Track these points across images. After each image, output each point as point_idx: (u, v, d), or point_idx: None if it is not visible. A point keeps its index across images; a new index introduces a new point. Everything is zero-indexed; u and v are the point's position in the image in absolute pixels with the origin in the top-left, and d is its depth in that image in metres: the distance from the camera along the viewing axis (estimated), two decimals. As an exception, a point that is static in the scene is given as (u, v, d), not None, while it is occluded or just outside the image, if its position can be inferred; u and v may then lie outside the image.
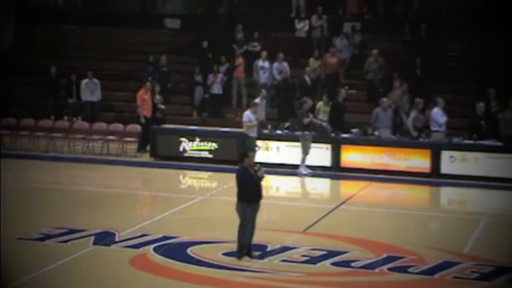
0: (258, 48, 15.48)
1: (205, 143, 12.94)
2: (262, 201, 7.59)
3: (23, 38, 17.17)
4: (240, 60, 15.22)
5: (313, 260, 7.61)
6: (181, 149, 13.04)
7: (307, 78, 14.43)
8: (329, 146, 12.42)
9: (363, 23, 15.78)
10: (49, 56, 16.37)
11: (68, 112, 15.23)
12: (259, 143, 12.35)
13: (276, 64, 14.83)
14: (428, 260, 7.68)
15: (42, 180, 11.93)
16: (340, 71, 15.01)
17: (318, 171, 12.26)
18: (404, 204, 11.08)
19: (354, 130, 12.73)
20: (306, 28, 15.73)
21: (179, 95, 15.68)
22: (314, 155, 12.26)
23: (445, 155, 12.00)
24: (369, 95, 14.68)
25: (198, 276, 7.08)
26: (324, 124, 12.64)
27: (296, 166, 12.24)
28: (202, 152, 12.95)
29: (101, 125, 14.01)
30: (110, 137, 13.66)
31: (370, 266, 7.47)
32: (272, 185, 11.60)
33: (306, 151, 12.19)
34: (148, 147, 13.45)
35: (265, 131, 12.82)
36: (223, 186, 11.21)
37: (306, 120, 12.16)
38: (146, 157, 13.31)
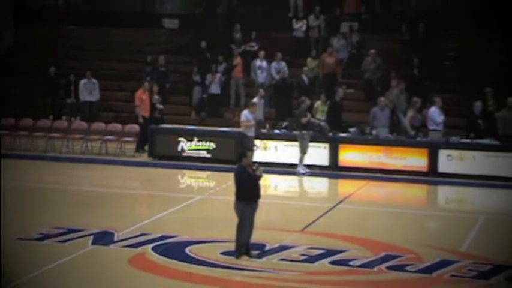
0: (256, 48, 15.51)
1: (204, 142, 12.97)
2: (261, 201, 7.61)
3: (23, 38, 17.17)
4: (238, 60, 15.25)
5: (311, 259, 7.64)
6: (179, 148, 13.06)
7: (304, 78, 14.46)
8: (327, 145, 12.46)
9: (361, 23, 15.82)
10: (48, 56, 16.38)
11: (66, 112, 15.25)
12: (257, 142, 12.38)
13: (274, 64, 14.86)
14: (426, 258, 7.71)
15: (41, 180, 11.94)
16: (338, 71, 15.05)
17: (315, 170, 12.29)
18: (402, 203, 11.11)
19: (351, 129, 12.76)
20: (304, 28, 15.76)
21: (177, 95, 15.70)
22: (312, 154, 12.29)
23: (443, 153, 12.04)
24: (366, 95, 14.72)
25: (197, 276, 7.11)
26: (322, 123, 12.67)
27: (294, 165, 12.27)
28: (200, 152, 12.97)
29: (99, 125, 14.03)
30: (109, 137, 13.68)
31: (368, 265, 7.50)
32: (270, 184, 11.63)
33: (304, 150, 12.22)
34: (146, 147, 13.47)
35: (263, 131, 12.85)
36: (221, 185, 11.23)
37: (303, 120, 12.20)
38: (144, 157, 13.33)
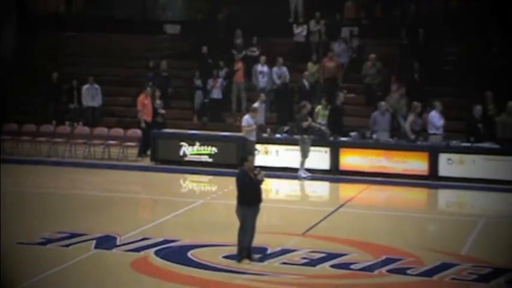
0: (257, 53, 15.57)
1: (205, 147, 13.03)
2: (262, 205, 7.66)
3: (25, 44, 17.28)
4: (239, 65, 15.32)
5: (312, 263, 7.68)
6: (181, 153, 13.12)
7: (305, 83, 14.53)
8: (328, 149, 12.51)
9: (361, 28, 15.89)
10: (50, 62, 16.47)
11: (69, 117, 15.31)
12: (258, 146, 12.44)
13: (275, 69, 14.93)
14: (427, 261, 7.75)
15: (44, 185, 12.00)
16: (339, 75, 15.11)
17: (317, 174, 12.33)
18: (403, 207, 11.16)
19: (352, 133, 12.82)
20: (304, 33, 15.84)
21: (179, 99, 15.77)
22: (313, 159, 12.34)
23: (443, 157, 12.09)
24: (367, 99, 14.78)
25: (199, 279, 7.16)
26: (323, 128, 12.73)
27: (295, 169, 12.32)
28: (202, 156, 13.03)
29: (101, 130, 14.10)
30: (111, 142, 13.74)
31: (369, 268, 7.55)
32: (272, 188, 11.68)
33: (305, 155, 12.27)
34: (148, 152, 13.53)
35: (265, 135, 12.91)
36: (223, 189, 11.28)
37: (304, 124, 12.26)
38: (147, 161, 13.39)
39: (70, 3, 18.66)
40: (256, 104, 13.20)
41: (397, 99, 13.51)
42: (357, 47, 15.50)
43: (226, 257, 7.70)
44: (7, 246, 7.79)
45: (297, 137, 12.44)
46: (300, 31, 15.88)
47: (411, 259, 7.86)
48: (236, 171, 7.98)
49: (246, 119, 12.19)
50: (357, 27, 15.89)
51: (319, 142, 12.46)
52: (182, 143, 13.14)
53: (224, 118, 15.25)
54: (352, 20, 16.38)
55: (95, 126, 14.50)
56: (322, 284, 7.21)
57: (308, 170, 12.30)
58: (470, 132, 12.39)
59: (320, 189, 12.38)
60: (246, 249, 7.59)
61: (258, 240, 7.72)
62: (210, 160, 12.96)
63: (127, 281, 7.18)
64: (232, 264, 7.52)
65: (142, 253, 7.89)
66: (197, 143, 13.06)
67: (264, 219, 8.25)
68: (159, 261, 7.64)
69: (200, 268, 7.43)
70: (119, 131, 13.95)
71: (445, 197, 12.06)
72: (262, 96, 13.90)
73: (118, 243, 8.22)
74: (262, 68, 15.01)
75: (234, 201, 7.67)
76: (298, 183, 12.18)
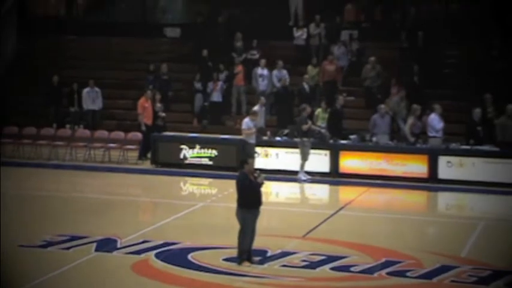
0: (257, 56, 15.62)
1: (206, 150, 13.06)
2: (262, 207, 7.69)
3: (25, 48, 17.34)
4: (239, 68, 15.36)
5: (312, 265, 7.70)
6: (181, 156, 13.15)
7: (305, 86, 14.56)
8: (328, 152, 12.54)
9: (361, 31, 15.93)
10: (51, 65, 16.51)
11: (69, 120, 15.36)
12: (258, 149, 12.46)
13: (275, 72, 14.96)
14: (426, 264, 7.76)
15: (45, 187, 12.02)
16: (338, 78, 15.15)
17: (316, 177, 12.36)
18: (402, 209, 11.17)
19: (352, 136, 12.84)
20: (304, 36, 15.89)
21: (179, 102, 15.81)
22: (313, 161, 12.37)
23: (442, 160, 12.11)
24: (366, 102, 14.81)
25: (199, 282, 7.18)
26: (323, 131, 12.76)
27: (295, 172, 12.34)
28: (202, 159, 13.06)
29: (102, 133, 14.13)
30: (111, 145, 13.78)
31: (369, 271, 7.56)
32: (272, 191, 11.70)
33: (304, 157, 12.30)
34: (149, 155, 13.57)
35: (265, 138, 12.94)
36: (223, 192, 11.30)
37: (304, 127, 12.29)
38: (147, 164, 13.42)
39: (70, 6, 18.72)
40: (256, 107, 13.24)
41: (396, 102, 13.54)
42: (356, 50, 15.54)
43: (226, 260, 7.72)
44: (8, 248, 7.81)
45: (296, 139, 12.47)
46: (300, 34, 15.93)
47: (411, 261, 7.88)
48: (236, 174, 8.01)
49: (246, 122, 12.23)
50: (356, 30, 15.93)
51: (319, 145, 12.49)
52: (182, 146, 13.17)
53: (224, 121, 15.29)
54: (352, 23, 16.42)
55: (95, 129, 14.54)
56: (322, 287, 7.23)
57: (308, 172, 12.32)
58: (469, 135, 12.42)
59: (320, 192, 12.40)
60: (246, 252, 7.61)
61: (258, 243, 7.75)
62: (210, 163, 12.99)
63: (127, 284, 7.20)
64: (233, 266, 7.54)
65: (142, 256, 7.91)
66: (197, 146, 13.10)
67: (264, 221, 8.27)
68: (160, 264, 7.66)
69: (200, 271, 7.45)
70: (120, 134, 13.98)
71: (445, 199, 12.07)
72: (262, 99, 13.93)
73: (118, 246, 8.24)
74: (262, 71, 15.05)
75: (234, 204, 7.69)
76: (298, 186, 12.21)
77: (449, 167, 12.09)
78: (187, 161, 13.12)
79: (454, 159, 12.05)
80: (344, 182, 12.31)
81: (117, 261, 7.78)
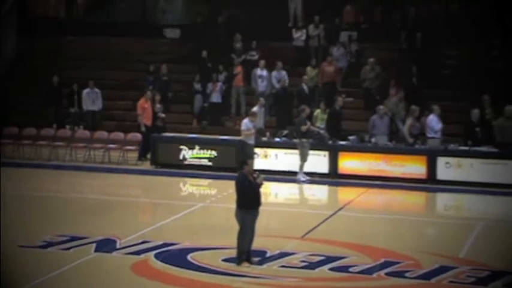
0: (256, 57, 15.65)
1: (205, 150, 13.09)
2: (261, 208, 7.71)
3: (25, 48, 17.36)
4: (238, 69, 15.40)
5: (311, 266, 7.72)
6: (181, 157, 13.18)
7: (304, 87, 14.60)
8: (327, 153, 12.57)
9: (360, 32, 15.96)
10: (51, 66, 16.54)
11: (69, 121, 15.38)
12: (257, 150, 12.49)
13: (274, 73, 15.00)
14: (425, 264, 7.79)
15: (44, 188, 12.04)
16: (337, 80, 15.19)
17: (316, 178, 12.39)
18: (401, 210, 11.21)
19: (351, 137, 12.87)
20: (303, 37, 15.92)
21: (179, 103, 15.83)
22: (312, 162, 12.40)
23: (441, 161, 12.15)
24: (365, 103, 14.84)
25: (198, 282, 7.20)
26: (322, 132, 12.79)
27: (294, 173, 12.38)
28: (201, 160, 13.10)
29: (102, 134, 14.16)
30: (111, 146, 13.81)
31: (368, 271, 7.58)
32: (271, 192, 11.73)
33: (304, 158, 12.34)
34: (148, 156, 13.60)
35: (264, 139, 12.98)
36: (222, 193, 11.33)
37: (303, 128, 12.32)
38: (147, 165, 13.45)
39: (70, 6, 18.74)
40: (255, 108, 13.27)
41: (395, 103, 13.58)
42: (355, 51, 15.57)
43: (225, 260, 7.74)
44: (8, 249, 7.84)
45: (296, 140, 12.51)
46: (299, 35, 15.96)
47: (409, 262, 7.90)
48: (235, 174, 8.02)
49: (245, 122, 12.26)
50: (355, 31, 15.96)
51: (318, 146, 12.52)
52: (182, 147, 13.20)
53: (223, 122, 15.32)
54: (351, 24, 16.45)
55: (95, 130, 14.56)
56: (321, 287, 7.25)
57: (307, 173, 12.35)
58: (468, 136, 12.46)
59: (319, 193, 12.42)
60: (245, 253, 7.64)
61: (257, 244, 7.76)
62: (210, 164, 13.02)
63: (127, 284, 7.22)
64: (232, 267, 7.56)
65: (142, 256, 7.93)
66: (197, 147, 13.13)
67: (263, 222, 8.28)
68: (159, 264, 7.68)
69: (200, 271, 7.48)
70: (119, 135, 14.01)
71: (443, 200, 12.10)
72: (262, 100, 13.96)
73: (118, 246, 8.27)
74: (261, 72, 15.08)
75: (233, 205, 7.72)
76: (297, 187, 12.24)
77: (447, 168, 12.12)
78: (186, 162, 13.15)
79: (453, 160, 12.08)
80: (343, 183, 12.34)
81: (117, 261, 7.81)
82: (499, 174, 11.87)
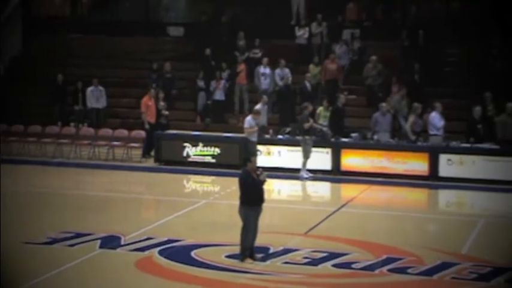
0: (259, 55, 15.68)
1: (208, 148, 13.15)
2: (265, 205, 7.77)
3: (30, 46, 17.44)
4: (241, 67, 15.44)
5: (314, 262, 7.78)
6: (184, 154, 13.24)
7: (307, 84, 14.64)
8: (329, 150, 12.61)
9: (362, 30, 15.97)
10: (55, 64, 16.61)
11: (74, 119, 15.44)
12: (260, 147, 12.54)
13: (277, 70, 15.04)
14: (427, 261, 7.84)
15: (49, 185, 12.11)
16: (340, 77, 15.22)
17: (318, 174, 12.43)
18: (403, 207, 11.25)
19: (353, 134, 12.91)
20: (306, 35, 15.94)
21: (182, 101, 15.88)
22: (315, 159, 12.44)
23: (443, 158, 12.17)
24: (368, 100, 14.87)
25: (202, 279, 7.27)
26: (324, 129, 12.83)
27: (297, 170, 12.42)
28: (205, 157, 13.15)
29: (106, 131, 14.22)
30: (115, 143, 13.86)
31: (370, 268, 7.64)
32: (274, 189, 11.78)
33: (306, 155, 12.39)
34: (152, 153, 13.65)
35: (267, 136, 13.03)
36: (226, 190, 11.39)
37: (306, 125, 12.37)
38: (150, 162, 13.50)
39: (75, 5, 18.82)
40: (258, 106, 13.31)
41: (397, 100, 13.61)
42: (358, 49, 15.60)
43: (229, 257, 7.80)
44: (13, 245, 7.91)
45: (298, 138, 12.55)
46: (302, 33, 15.99)
47: (412, 258, 7.95)
48: (239, 171, 8.08)
49: (248, 120, 12.32)
50: (358, 29, 15.98)
51: (320, 143, 12.56)
52: (185, 144, 13.26)
53: (227, 119, 15.37)
54: (353, 22, 16.47)
55: (99, 127, 14.63)
56: (324, 283, 7.30)
57: (310, 170, 12.40)
58: (470, 133, 12.48)
59: (321, 190, 12.47)
60: (249, 249, 7.69)
61: (260, 240, 7.82)
62: (213, 161, 13.07)
63: (132, 280, 7.29)
64: (235, 263, 7.62)
65: (146, 253, 8.00)
66: (200, 144, 13.19)
67: (266, 219, 8.35)
68: (163, 261, 7.74)
69: (203, 267, 7.54)
70: (123, 132, 14.07)
71: (445, 197, 12.14)
72: (265, 97, 14.01)
73: (122, 243, 8.34)
74: (264, 69, 15.13)
75: (236, 202, 7.78)
76: (300, 184, 12.28)
77: (449, 165, 12.15)
78: (190, 159, 13.20)
79: (455, 157, 12.11)
80: (345, 180, 12.39)
81: (121, 258, 7.88)
82: (501, 171, 11.89)
